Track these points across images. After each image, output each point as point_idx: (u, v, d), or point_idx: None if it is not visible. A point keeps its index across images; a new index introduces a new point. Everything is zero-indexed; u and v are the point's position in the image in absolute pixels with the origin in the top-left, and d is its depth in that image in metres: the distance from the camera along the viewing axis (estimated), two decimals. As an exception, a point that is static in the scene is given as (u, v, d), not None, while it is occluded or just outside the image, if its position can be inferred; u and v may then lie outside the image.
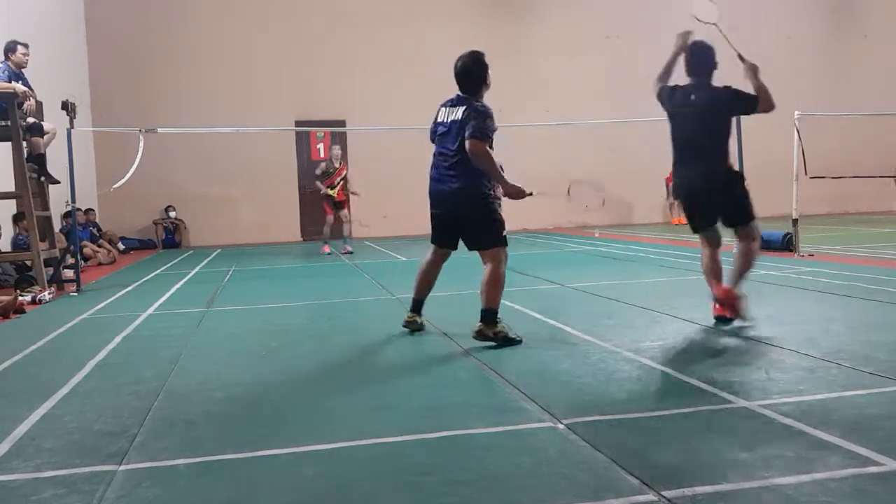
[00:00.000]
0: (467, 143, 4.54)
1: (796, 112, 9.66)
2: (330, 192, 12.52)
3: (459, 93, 4.81)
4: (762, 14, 18.93)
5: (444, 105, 4.85)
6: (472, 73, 4.77)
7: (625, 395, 3.40)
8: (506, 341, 4.46)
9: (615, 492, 2.33)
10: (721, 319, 4.90)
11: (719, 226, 5.12)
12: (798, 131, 9.44)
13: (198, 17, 16.40)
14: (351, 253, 12.33)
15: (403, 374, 4.03)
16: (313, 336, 5.29)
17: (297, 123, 16.02)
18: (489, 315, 4.53)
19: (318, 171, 12.76)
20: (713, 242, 5.17)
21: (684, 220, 17.79)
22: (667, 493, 2.28)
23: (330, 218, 12.76)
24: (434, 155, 4.89)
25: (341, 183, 12.62)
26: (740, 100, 5.13)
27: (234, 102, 15.92)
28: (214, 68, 16.38)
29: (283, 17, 16.70)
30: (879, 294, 5.90)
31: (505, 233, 4.68)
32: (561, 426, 2.98)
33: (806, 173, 9.41)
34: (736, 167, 5.12)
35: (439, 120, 4.84)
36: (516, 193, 4.68)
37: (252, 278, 9.44)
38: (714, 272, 5.06)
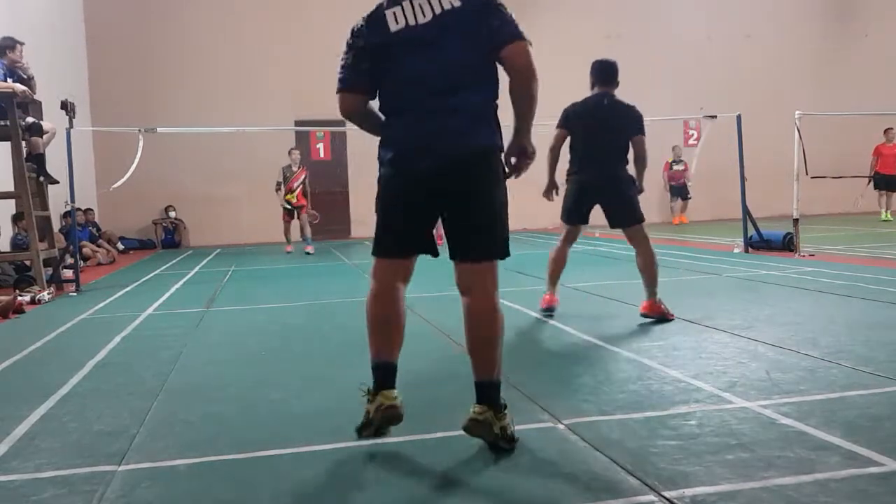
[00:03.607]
0: (514, 48, 2.61)
1: (797, 112, 9.66)
2: (289, 196, 12.66)
3: None
4: (763, 15, 18.94)
5: (396, 3, 2.74)
6: None
7: (625, 395, 3.39)
8: (511, 441, 2.70)
9: (615, 492, 2.32)
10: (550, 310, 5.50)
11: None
12: (799, 131, 9.43)
13: (197, 16, 16.40)
14: (310, 254, 12.48)
15: (403, 374, 3.98)
16: (313, 336, 5.28)
17: (297, 123, 16.00)
18: (496, 392, 2.72)
19: (278, 178, 12.83)
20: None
21: (686, 219, 17.90)
22: (667, 494, 2.27)
23: (286, 225, 12.94)
24: (402, 89, 2.77)
25: (300, 187, 12.72)
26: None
27: (234, 102, 15.91)
28: (214, 68, 16.37)
29: (283, 17, 16.70)
30: (880, 294, 5.90)
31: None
32: (561, 426, 2.97)
33: (807, 173, 9.40)
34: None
35: (400, 26, 2.71)
36: (532, 157, 2.76)
37: (252, 278, 9.43)
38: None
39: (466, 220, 2.70)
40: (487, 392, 2.68)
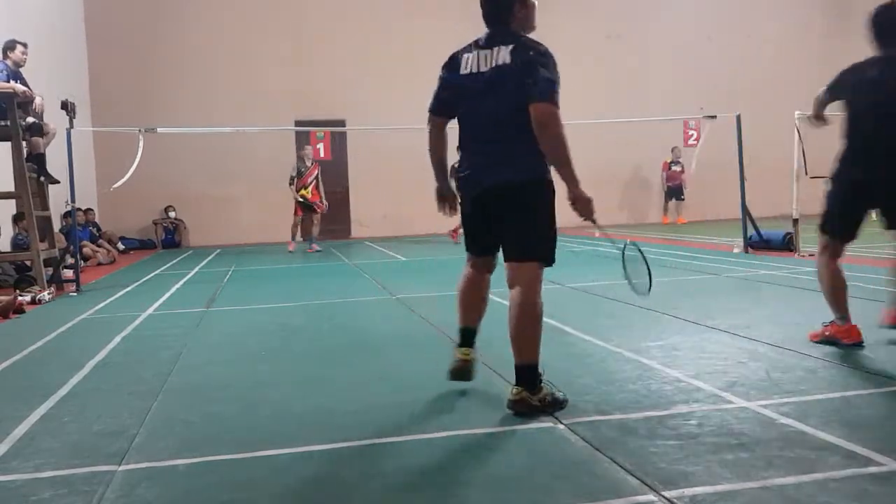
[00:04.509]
0: (534, 109, 3.04)
1: (797, 112, 9.64)
2: (303, 192, 12.71)
3: (489, 27, 3.32)
4: (764, 14, 18.94)
5: (471, 49, 3.30)
6: None
7: (625, 395, 3.39)
8: (554, 406, 3.15)
9: (615, 492, 2.32)
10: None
11: None
12: (799, 131, 9.43)
13: (197, 16, 16.40)
14: (319, 251, 12.63)
15: (403, 375, 4.02)
16: (313, 336, 5.28)
17: (297, 123, 16.01)
18: (531, 374, 3.15)
19: (292, 173, 12.92)
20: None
21: (683, 219, 17.77)
22: (667, 493, 2.27)
23: (297, 218, 12.99)
24: (465, 125, 3.35)
25: (314, 183, 12.79)
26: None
27: (234, 102, 15.92)
28: (214, 68, 16.37)
29: (282, 17, 16.70)
30: (880, 294, 5.89)
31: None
32: (561, 426, 2.97)
33: (806, 173, 9.40)
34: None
35: (468, 71, 3.26)
36: (587, 204, 3.18)
37: (252, 278, 9.43)
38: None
39: (506, 231, 3.26)
40: (520, 373, 3.15)
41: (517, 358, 3.17)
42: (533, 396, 3.11)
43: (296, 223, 13.09)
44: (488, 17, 3.32)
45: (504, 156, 3.18)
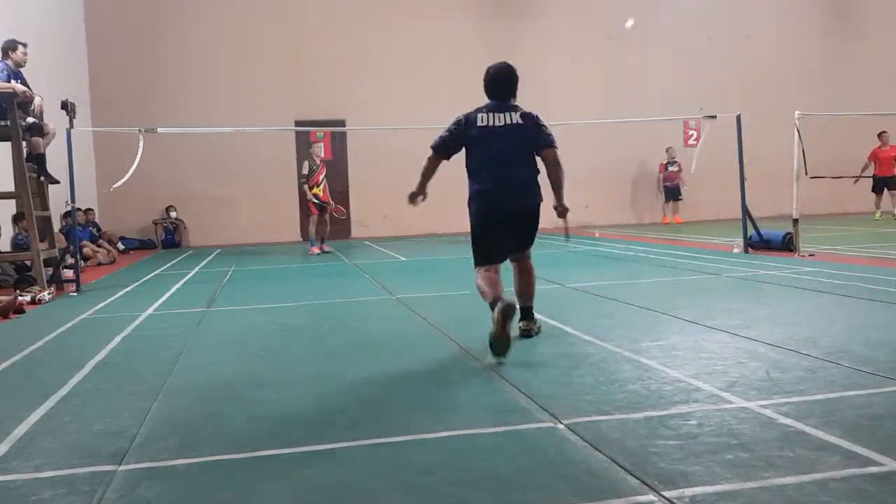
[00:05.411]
0: (550, 152, 4.64)
1: (797, 112, 9.66)
2: (315, 190, 12.36)
3: (496, 99, 4.71)
4: (763, 15, 18.94)
5: (482, 111, 4.65)
6: (513, 78, 4.75)
7: (625, 395, 3.39)
8: (539, 332, 4.89)
9: (615, 492, 2.32)
10: None
11: None
12: (798, 131, 9.43)
13: (198, 16, 16.40)
14: (318, 253, 12.31)
15: (403, 374, 4.02)
16: (313, 336, 5.28)
17: (297, 123, 16.01)
18: (531, 312, 4.90)
19: (304, 171, 12.52)
20: None
21: (680, 219, 17.87)
22: (667, 493, 2.27)
23: (315, 217, 12.57)
24: (482, 162, 4.63)
25: (325, 182, 12.50)
26: None
27: (234, 102, 15.92)
28: (214, 68, 16.38)
29: (283, 17, 16.71)
30: (880, 294, 5.89)
31: None
32: (561, 426, 2.97)
33: (806, 173, 9.41)
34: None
35: (484, 123, 4.60)
36: (567, 211, 4.77)
37: (252, 278, 9.44)
38: None
39: (524, 236, 4.78)
40: (526, 311, 4.79)
41: (523, 302, 4.73)
42: (534, 326, 4.82)
43: (313, 222, 12.59)
44: (498, 92, 4.70)
45: (525, 186, 4.64)
